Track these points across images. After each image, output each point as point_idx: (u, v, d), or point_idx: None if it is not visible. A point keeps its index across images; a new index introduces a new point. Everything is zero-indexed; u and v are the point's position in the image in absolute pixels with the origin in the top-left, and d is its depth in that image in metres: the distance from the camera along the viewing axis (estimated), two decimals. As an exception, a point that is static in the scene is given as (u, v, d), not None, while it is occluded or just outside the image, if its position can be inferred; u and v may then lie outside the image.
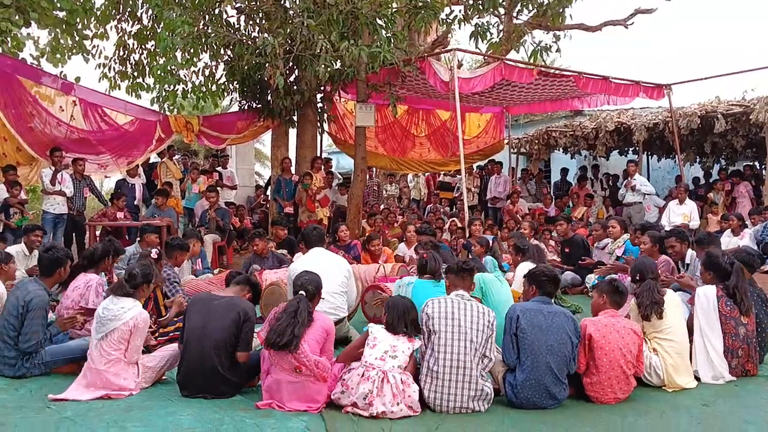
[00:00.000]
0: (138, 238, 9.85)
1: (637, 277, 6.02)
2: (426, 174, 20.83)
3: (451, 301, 5.22)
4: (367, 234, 12.75)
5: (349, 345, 5.29)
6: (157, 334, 6.59)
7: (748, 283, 6.25)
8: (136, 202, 14.26)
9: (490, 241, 11.12)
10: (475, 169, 19.68)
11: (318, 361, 4.97)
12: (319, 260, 7.13)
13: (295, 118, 14.48)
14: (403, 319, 5.17)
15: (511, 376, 5.15)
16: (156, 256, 7.07)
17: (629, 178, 14.44)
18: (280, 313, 5.06)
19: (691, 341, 5.82)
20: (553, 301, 5.53)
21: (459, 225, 13.54)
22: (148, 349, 6.22)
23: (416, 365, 5.18)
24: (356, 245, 11.39)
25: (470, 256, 8.86)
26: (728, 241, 11.68)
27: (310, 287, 5.36)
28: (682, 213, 13.72)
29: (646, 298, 5.71)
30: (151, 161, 16.10)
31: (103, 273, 7.06)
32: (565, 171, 20.16)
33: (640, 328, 5.55)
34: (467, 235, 11.72)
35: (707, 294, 5.96)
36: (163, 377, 5.83)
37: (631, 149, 19.37)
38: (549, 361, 5.03)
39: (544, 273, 5.53)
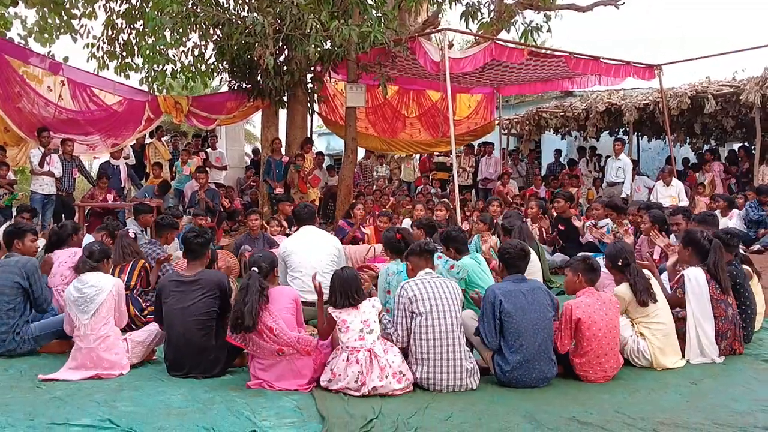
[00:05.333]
0: (133, 217, 9.96)
1: (620, 263, 5.83)
2: (421, 156, 20.80)
3: (427, 282, 5.23)
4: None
5: (324, 329, 5.25)
6: (146, 312, 6.61)
7: (737, 261, 6.29)
8: (122, 184, 14.19)
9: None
10: (475, 147, 19.58)
11: (299, 338, 5.00)
12: (309, 238, 7.13)
13: (285, 98, 14.42)
14: (347, 292, 5.15)
15: (500, 357, 5.16)
16: (133, 235, 7.17)
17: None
18: (236, 296, 5.10)
19: (677, 324, 5.83)
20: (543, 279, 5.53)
21: (450, 206, 13.52)
22: (136, 325, 6.26)
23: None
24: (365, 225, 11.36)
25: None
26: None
27: (263, 264, 5.34)
28: (669, 195, 13.76)
29: (641, 284, 5.67)
30: (145, 141, 16.04)
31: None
32: (558, 152, 20.15)
33: (620, 309, 5.58)
34: (460, 215, 11.71)
35: (698, 278, 5.91)
36: (153, 356, 5.85)
37: (621, 130, 19.37)
38: (537, 340, 5.05)
39: (507, 251, 5.48)
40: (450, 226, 8.56)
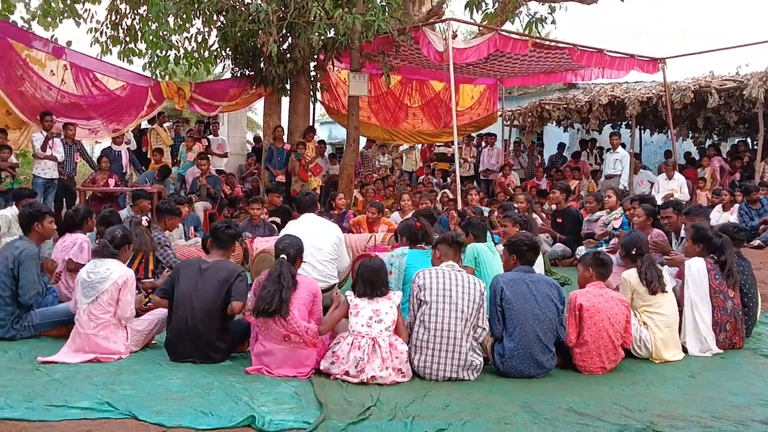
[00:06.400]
0: (130, 203, 9.90)
1: (633, 252, 5.95)
2: (422, 145, 20.79)
3: (443, 272, 5.23)
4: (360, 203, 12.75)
5: (329, 314, 5.27)
6: (147, 299, 6.60)
7: (736, 256, 6.29)
8: (123, 170, 14.20)
9: (486, 213, 11.07)
10: (474, 138, 19.57)
11: (308, 328, 4.98)
12: (309, 226, 7.11)
13: (287, 86, 14.41)
14: (373, 283, 5.14)
15: (499, 345, 5.18)
16: (146, 224, 7.11)
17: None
18: (265, 281, 5.06)
19: (679, 313, 5.86)
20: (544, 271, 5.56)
21: (450, 196, 13.52)
22: (137, 313, 6.25)
23: (402, 318, 5.22)
24: (350, 215, 11.33)
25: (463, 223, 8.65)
26: (718, 216, 11.72)
27: (291, 251, 5.32)
28: (671, 188, 13.78)
29: (652, 273, 5.71)
30: (142, 127, 16.05)
31: (88, 233, 7.13)
32: (562, 146, 20.11)
33: (627, 300, 5.60)
34: (461, 205, 11.69)
35: (698, 267, 5.96)
36: (153, 341, 5.85)
37: (624, 123, 19.34)
38: (536, 329, 5.06)
39: (524, 242, 5.52)
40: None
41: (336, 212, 11.36)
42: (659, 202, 10.81)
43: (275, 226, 10.41)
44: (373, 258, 5.64)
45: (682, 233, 7.81)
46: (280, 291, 4.93)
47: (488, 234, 9.10)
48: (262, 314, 4.94)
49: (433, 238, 6.79)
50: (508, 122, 20.43)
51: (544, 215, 11.72)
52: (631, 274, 5.81)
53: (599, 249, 6.34)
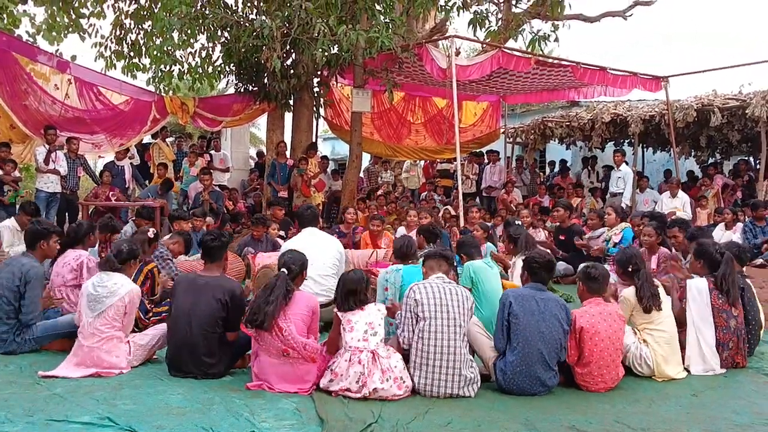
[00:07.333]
0: (133, 218, 10.01)
1: (630, 269, 5.90)
2: (424, 162, 20.79)
3: (437, 286, 5.22)
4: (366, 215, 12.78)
5: (330, 335, 5.26)
6: (150, 314, 6.59)
7: (738, 274, 6.27)
8: (126, 184, 14.24)
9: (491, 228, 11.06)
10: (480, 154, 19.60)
11: (306, 344, 4.98)
12: (311, 240, 7.12)
13: (291, 102, 14.44)
14: (356, 292, 5.14)
15: (501, 360, 5.17)
16: (152, 236, 7.10)
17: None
18: (261, 291, 5.08)
19: (680, 333, 5.83)
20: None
21: (452, 213, 13.50)
22: (139, 328, 6.23)
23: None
24: (358, 232, 11.32)
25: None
26: (721, 235, 11.69)
27: (293, 266, 5.32)
28: (675, 206, 13.76)
29: (646, 290, 5.69)
30: (144, 142, 16.09)
31: (90, 249, 7.11)
32: (564, 162, 20.12)
33: (626, 317, 5.58)
34: (462, 222, 11.68)
35: (699, 287, 5.96)
36: (154, 356, 5.84)
37: (626, 141, 19.34)
38: (540, 347, 5.04)
39: (536, 260, 5.51)
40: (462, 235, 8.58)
41: (344, 227, 11.37)
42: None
43: (279, 241, 10.41)
44: (352, 271, 5.59)
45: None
46: (266, 304, 4.93)
47: (495, 250, 9.12)
48: (249, 323, 4.96)
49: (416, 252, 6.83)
50: (511, 139, 20.46)
51: (546, 232, 11.70)
52: (630, 292, 5.79)
53: (595, 263, 6.27)
